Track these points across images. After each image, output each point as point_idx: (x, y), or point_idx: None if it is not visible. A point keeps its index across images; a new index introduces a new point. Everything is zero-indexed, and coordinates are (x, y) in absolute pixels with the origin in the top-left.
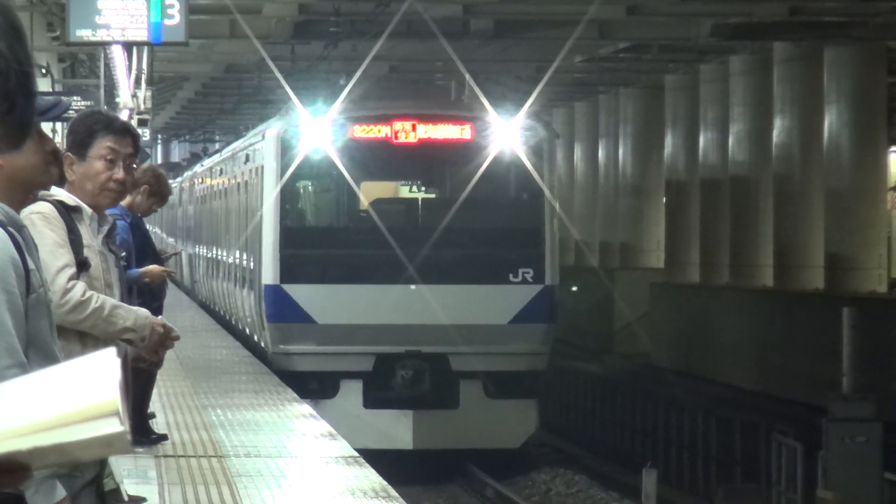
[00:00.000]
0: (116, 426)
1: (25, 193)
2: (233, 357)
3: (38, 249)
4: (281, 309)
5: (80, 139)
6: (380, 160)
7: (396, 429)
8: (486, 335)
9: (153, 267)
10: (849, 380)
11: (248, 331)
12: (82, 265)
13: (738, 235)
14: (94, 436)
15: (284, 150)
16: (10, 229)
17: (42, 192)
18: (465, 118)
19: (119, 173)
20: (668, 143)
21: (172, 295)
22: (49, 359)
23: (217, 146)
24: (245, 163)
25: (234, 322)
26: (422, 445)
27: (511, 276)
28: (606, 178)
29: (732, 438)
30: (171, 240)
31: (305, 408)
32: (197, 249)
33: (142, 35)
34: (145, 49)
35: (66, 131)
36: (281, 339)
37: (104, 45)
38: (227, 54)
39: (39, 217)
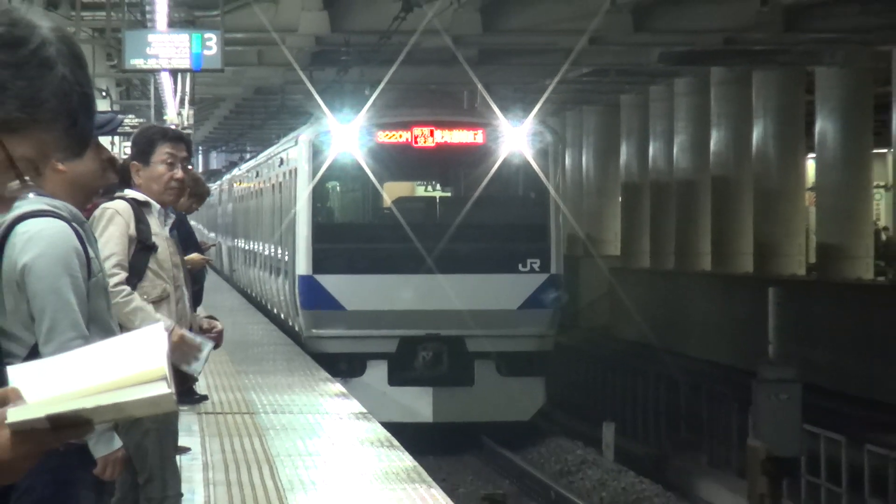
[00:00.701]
0: (164, 388)
1: (86, 195)
2: (265, 334)
3: (97, 242)
4: (313, 297)
5: (143, 149)
6: (401, 162)
7: (418, 404)
8: (498, 319)
9: (195, 255)
10: (774, 348)
11: (282, 316)
12: (150, 249)
13: (681, 228)
14: (145, 396)
15: (315, 153)
16: (74, 224)
17: (119, 192)
18: (478, 124)
19: (178, 173)
20: (624, 151)
21: (213, 280)
22: (107, 332)
23: (248, 156)
24: (279, 166)
25: (269, 307)
26: (441, 419)
27: (520, 265)
28: (573, 182)
29: (678, 397)
30: (210, 234)
31: (324, 374)
32: (234, 242)
33: (185, 63)
34: (188, 75)
35: (128, 145)
36: (313, 324)
37: (154, 72)
38: (256, 79)
39: (111, 212)
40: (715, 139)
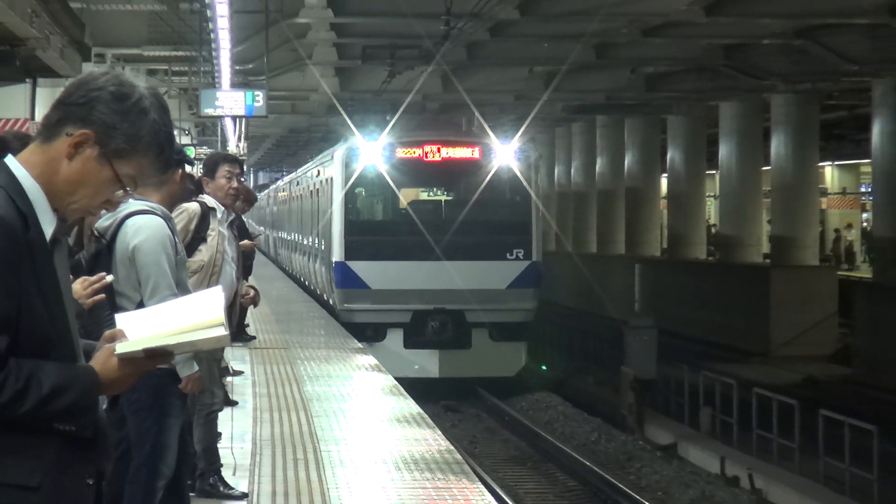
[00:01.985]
0: (222, 331)
1: (174, 203)
2: (298, 296)
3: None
4: (345, 278)
5: (210, 167)
6: (415, 173)
7: (427, 363)
8: (491, 297)
9: (246, 242)
10: (638, 304)
11: (318, 291)
12: (202, 240)
13: (602, 223)
14: (209, 336)
15: (347, 165)
16: (165, 218)
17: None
18: (475, 142)
19: (235, 183)
20: (543, 173)
21: (262, 260)
22: (185, 291)
23: (286, 174)
24: (317, 176)
25: (308, 285)
26: (445, 374)
27: (508, 254)
28: None
29: (587, 342)
30: (259, 227)
31: (343, 331)
32: (278, 234)
33: (241, 112)
34: (243, 120)
35: (201, 167)
36: (345, 300)
37: (220, 117)
38: (290, 123)
39: (186, 213)
40: (599, 164)
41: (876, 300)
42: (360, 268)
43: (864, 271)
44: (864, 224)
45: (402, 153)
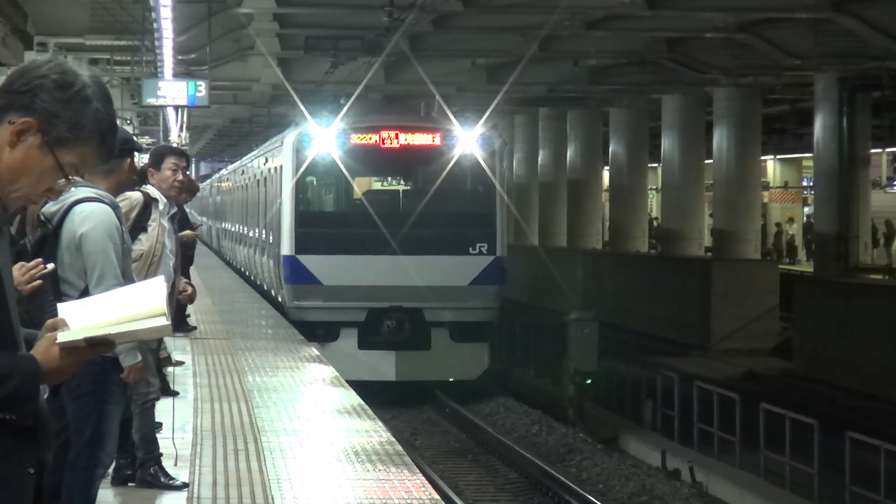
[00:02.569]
0: (164, 321)
1: (120, 191)
2: (238, 286)
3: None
4: (295, 273)
5: (156, 159)
6: (371, 160)
7: (383, 365)
8: (452, 294)
9: (188, 231)
10: (581, 298)
11: (265, 286)
12: (143, 230)
13: (544, 216)
14: (150, 326)
15: (298, 152)
16: (112, 206)
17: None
18: (436, 128)
19: (180, 176)
20: None
21: (204, 250)
22: (129, 280)
23: (228, 164)
24: (265, 164)
25: (255, 280)
26: (402, 377)
27: (470, 249)
28: None
29: (528, 334)
30: (201, 217)
31: (267, 307)
32: (222, 225)
33: (183, 101)
34: (185, 110)
35: (145, 158)
36: (295, 297)
37: (163, 107)
38: (231, 113)
39: (128, 202)
40: (541, 156)
41: (816, 294)
42: (312, 262)
43: (806, 265)
44: (806, 218)
45: (356, 139)
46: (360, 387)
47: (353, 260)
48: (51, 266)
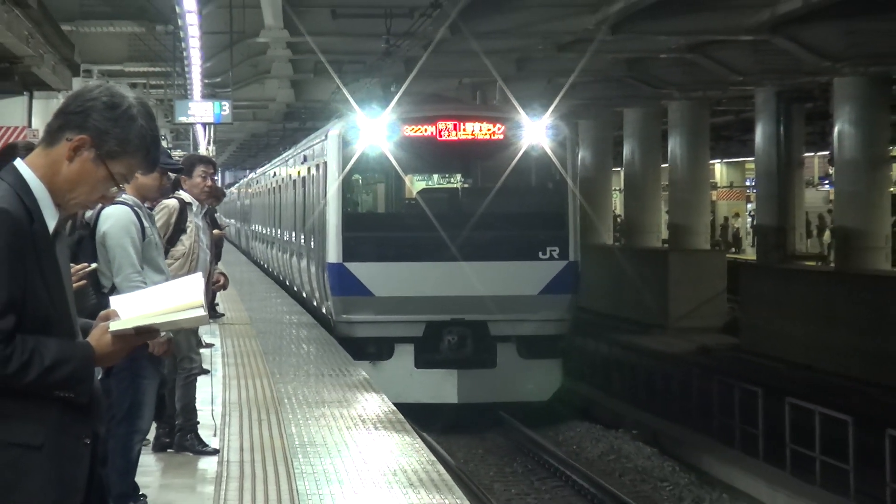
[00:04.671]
0: (202, 312)
1: (144, 195)
2: (260, 279)
3: (154, 220)
4: (344, 284)
5: (188, 167)
6: (426, 155)
7: (443, 386)
8: (519, 305)
9: (216, 231)
10: None
11: (304, 295)
12: (182, 231)
13: None
14: (190, 317)
15: (345, 146)
16: (134, 208)
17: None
18: (499, 118)
19: (209, 182)
20: None
21: (231, 249)
22: (157, 270)
23: (249, 172)
24: (303, 162)
25: (294, 289)
26: (465, 400)
27: (540, 253)
28: None
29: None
30: (228, 220)
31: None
32: (250, 226)
33: (210, 119)
34: (211, 126)
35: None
36: (343, 310)
37: (192, 124)
38: (251, 128)
39: (167, 209)
40: None
41: (759, 279)
42: (361, 271)
43: (749, 254)
44: (749, 214)
45: (410, 131)
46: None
47: (408, 268)
48: (93, 266)
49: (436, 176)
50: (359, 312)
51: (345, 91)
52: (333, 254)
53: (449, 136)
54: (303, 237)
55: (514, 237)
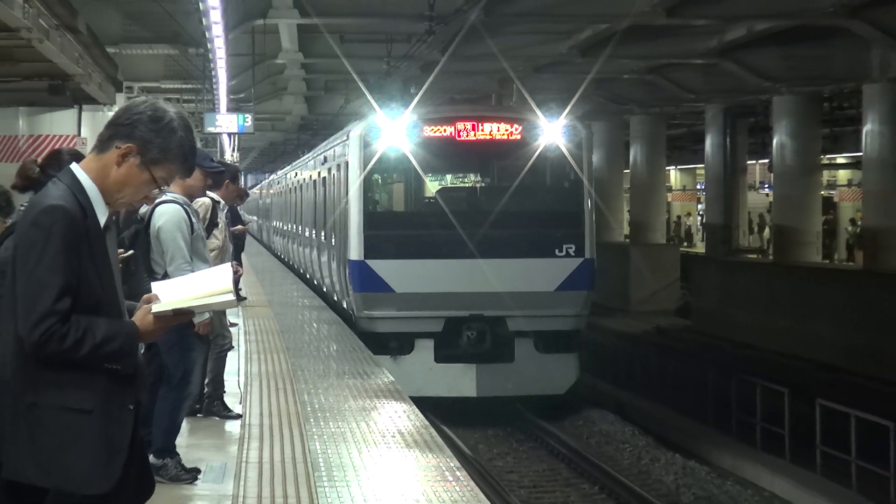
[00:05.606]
0: (231, 297)
1: (191, 194)
2: (278, 267)
3: (199, 217)
4: (365, 280)
5: (234, 176)
6: (446, 154)
7: (462, 380)
8: (537, 301)
9: (239, 227)
10: None
11: (325, 290)
12: (215, 225)
13: None
14: (221, 300)
15: (366, 146)
16: (184, 206)
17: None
18: (516, 119)
19: (234, 187)
20: None
21: (250, 242)
22: (203, 260)
23: (269, 175)
24: (324, 163)
25: (317, 284)
26: (484, 394)
27: (556, 250)
28: None
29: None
30: (250, 216)
31: (317, 300)
32: (271, 223)
33: (234, 129)
34: (236, 136)
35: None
36: (365, 306)
37: (219, 134)
38: (271, 138)
39: (204, 205)
40: None
41: (708, 269)
42: (382, 268)
43: (700, 248)
44: (700, 213)
45: (430, 131)
46: (435, 403)
47: (428, 265)
48: (130, 252)
49: (453, 175)
50: (380, 308)
51: (366, 91)
52: (355, 251)
53: (468, 136)
54: (324, 234)
55: (531, 235)
